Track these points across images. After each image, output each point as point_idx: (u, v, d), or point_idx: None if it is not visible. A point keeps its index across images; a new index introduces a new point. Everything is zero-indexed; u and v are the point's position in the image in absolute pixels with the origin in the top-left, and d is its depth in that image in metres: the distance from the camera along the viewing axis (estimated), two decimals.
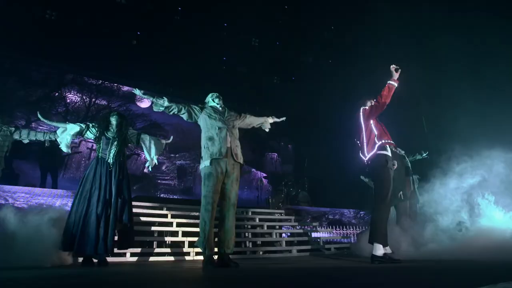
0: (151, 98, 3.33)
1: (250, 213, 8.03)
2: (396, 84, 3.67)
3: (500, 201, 4.89)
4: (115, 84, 10.48)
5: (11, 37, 8.57)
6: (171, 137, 4.49)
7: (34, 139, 4.15)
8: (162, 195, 10.26)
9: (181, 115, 3.46)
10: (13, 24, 8.56)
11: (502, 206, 4.79)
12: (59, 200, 6.46)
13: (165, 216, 6.15)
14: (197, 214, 7.10)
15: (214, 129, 3.38)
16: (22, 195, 5.90)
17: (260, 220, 7.22)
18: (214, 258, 3.26)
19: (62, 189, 7.50)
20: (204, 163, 3.28)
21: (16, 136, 4.09)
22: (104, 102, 10.22)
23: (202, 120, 3.48)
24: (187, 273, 2.91)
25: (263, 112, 4.20)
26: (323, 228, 8.45)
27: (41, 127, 8.83)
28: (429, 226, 4.78)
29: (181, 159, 11.34)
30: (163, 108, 3.36)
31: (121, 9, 9.86)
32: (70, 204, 6.39)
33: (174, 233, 5.91)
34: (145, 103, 11.17)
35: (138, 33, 10.03)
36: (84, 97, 9.85)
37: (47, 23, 8.99)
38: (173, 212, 6.32)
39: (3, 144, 3.96)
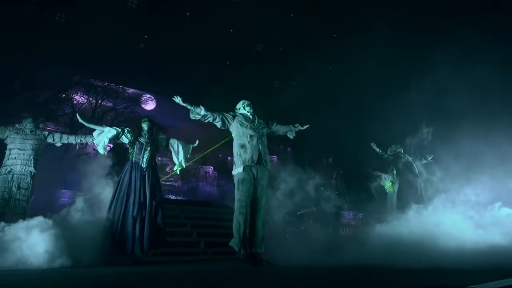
0: (189, 106, 3.56)
1: None
2: None
3: None
4: (120, 86, 10.59)
5: (20, 38, 8.63)
6: (197, 142, 4.69)
7: (66, 142, 4.33)
8: (166, 196, 10.38)
9: (215, 123, 3.69)
10: (23, 25, 8.64)
11: None
12: None
13: (177, 217, 6.32)
14: (209, 215, 7.33)
15: (245, 137, 3.62)
16: None
17: None
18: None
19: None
20: (238, 170, 3.53)
21: (49, 140, 4.26)
22: (110, 104, 10.32)
23: (234, 127, 3.72)
24: (231, 273, 3.12)
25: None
26: None
27: (48, 128, 8.88)
28: None
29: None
30: (199, 117, 3.59)
31: (128, 12, 10.00)
32: None
33: (187, 234, 6.10)
34: (150, 106, 11.30)
35: (145, 36, 10.17)
36: (91, 99, 9.94)
37: (56, 25, 9.08)
38: (188, 214, 6.50)
39: (38, 147, 4.12)
